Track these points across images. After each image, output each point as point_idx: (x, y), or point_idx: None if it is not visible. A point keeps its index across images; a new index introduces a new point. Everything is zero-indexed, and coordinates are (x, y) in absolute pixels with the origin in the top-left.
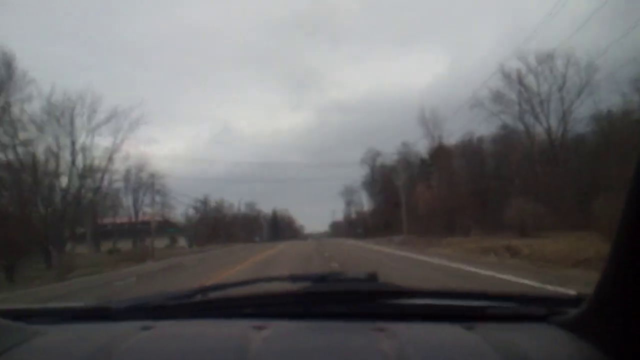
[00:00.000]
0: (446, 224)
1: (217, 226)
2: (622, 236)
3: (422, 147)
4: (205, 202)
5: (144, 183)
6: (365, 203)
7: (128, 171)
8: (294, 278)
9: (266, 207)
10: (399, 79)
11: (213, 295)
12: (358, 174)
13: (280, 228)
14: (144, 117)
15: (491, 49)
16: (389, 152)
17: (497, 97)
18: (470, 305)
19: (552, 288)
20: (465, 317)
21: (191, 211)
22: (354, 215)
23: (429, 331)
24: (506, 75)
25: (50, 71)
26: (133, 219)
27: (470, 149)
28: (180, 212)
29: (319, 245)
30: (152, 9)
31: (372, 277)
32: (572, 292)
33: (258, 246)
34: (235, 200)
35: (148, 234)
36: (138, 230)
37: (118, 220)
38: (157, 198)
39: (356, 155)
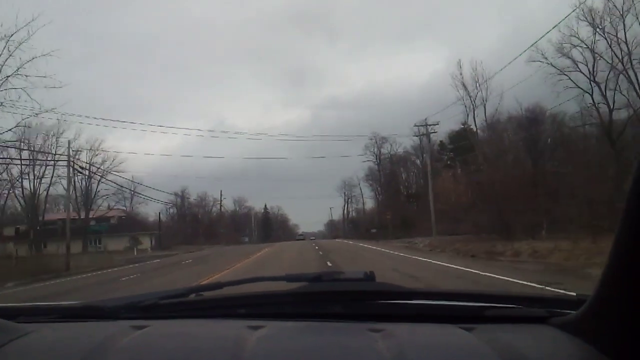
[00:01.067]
0: (491, 222)
1: (196, 224)
2: (621, 238)
3: (437, 130)
4: (182, 197)
5: (99, 171)
6: (366, 199)
7: (76, 154)
8: (289, 278)
9: (258, 205)
10: (398, 74)
11: (208, 294)
12: (358, 165)
13: (272, 227)
14: (36, 40)
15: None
16: (403, 132)
17: (565, 47)
18: (469, 307)
19: None
20: (465, 319)
21: (170, 208)
22: (353, 213)
23: (427, 332)
24: (586, 14)
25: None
26: (81, 215)
27: (519, 123)
28: (160, 208)
29: (321, 252)
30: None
31: (370, 277)
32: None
33: (239, 250)
34: (224, 196)
35: (102, 233)
36: (89, 228)
37: (72, 217)
38: (126, 191)
39: (353, 152)
